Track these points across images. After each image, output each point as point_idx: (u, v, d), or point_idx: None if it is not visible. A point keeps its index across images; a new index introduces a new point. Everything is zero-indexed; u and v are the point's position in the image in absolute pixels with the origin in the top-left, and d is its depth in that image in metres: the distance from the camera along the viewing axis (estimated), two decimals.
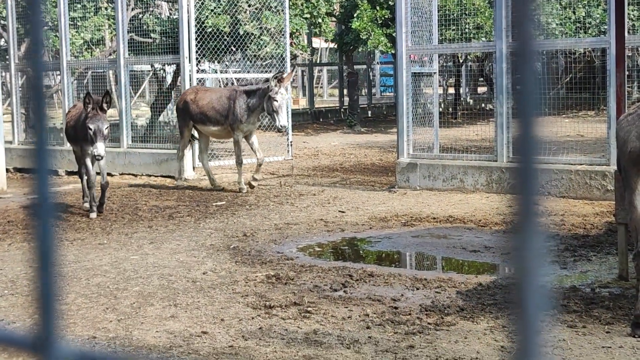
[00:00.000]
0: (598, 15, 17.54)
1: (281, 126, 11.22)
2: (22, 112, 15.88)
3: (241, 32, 14.67)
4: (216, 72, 16.33)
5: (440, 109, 14.42)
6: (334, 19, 22.96)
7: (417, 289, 6.43)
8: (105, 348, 5.19)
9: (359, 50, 23.92)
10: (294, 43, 18.03)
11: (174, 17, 14.99)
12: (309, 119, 25.65)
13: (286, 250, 8.00)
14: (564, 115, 18.07)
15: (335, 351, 4.99)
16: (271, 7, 14.78)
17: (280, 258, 7.59)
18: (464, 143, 14.59)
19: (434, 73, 12.51)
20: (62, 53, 14.58)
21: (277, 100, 11.05)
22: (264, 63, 14.98)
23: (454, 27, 15.19)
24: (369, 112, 27.30)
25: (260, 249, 8.00)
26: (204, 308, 5.98)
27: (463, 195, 10.73)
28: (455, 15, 15.78)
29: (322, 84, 36.66)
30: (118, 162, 13.74)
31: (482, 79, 27.91)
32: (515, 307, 0.74)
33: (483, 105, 23.23)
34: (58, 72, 15.19)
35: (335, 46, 24.28)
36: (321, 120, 25.89)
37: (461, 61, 23.30)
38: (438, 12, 12.47)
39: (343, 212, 9.96)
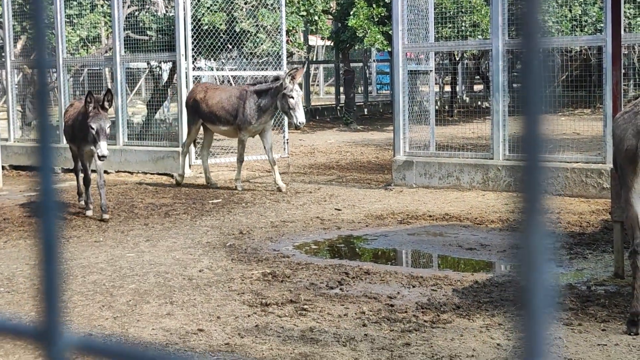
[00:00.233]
0: (594, 13, 17.56)
1: (299, 123, 11.02)
2: (18, 109, 15.85)
3: (237, 30, 14.66)
4: (212, 69, 16.31)
5: (437, 107, 14.43)
6: (330, 16, 22.96)
7: (413, 286, 6.44)
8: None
9: (356, 48, 23.90)
10: (291, 41, 18.02)
11: (170, 14, 14.97)
12: (305, 117, 25.62)
13: (282, 247, 7.99)
14: (560, 113, 18.09)
15: (331, 349, 4.99)
16: (267, 4, 14.77)
17: (276, 256, 7.59)
18: (460, 141, 14.60)
19: (430, 71, 12.51)
20: (58, 50, 14.55)
21: (293, 98, 10.93)
22: (260, 61, 14.96)
23: (450, 25, 15.19)
24: (365, 110, 27.31)
25: (256, 247, 8.00)
26: (200, 305, 5.98)
27: (459, 193, 10.74)
28: (451, 13, 15.78)
29: (318, 81, 36.67)
30: (114, 160, 13.72)
31: (478, 76, 27.94)
32: (519, 307, 0.74)
33: (479, 103, 23.25)
34: (54, 70, 15.17)
35: (332, 44, 24.28)
36: (317, 118, 25.88)
37: (457, 59, 23.30)
38: (434, 9, 12.47)
39: (339, 209, 9.96)
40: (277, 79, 11.39)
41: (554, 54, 18.93)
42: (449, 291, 6.24)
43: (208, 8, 14.46)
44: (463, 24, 17.42)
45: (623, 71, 9.68)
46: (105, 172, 9.73)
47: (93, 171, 9.85)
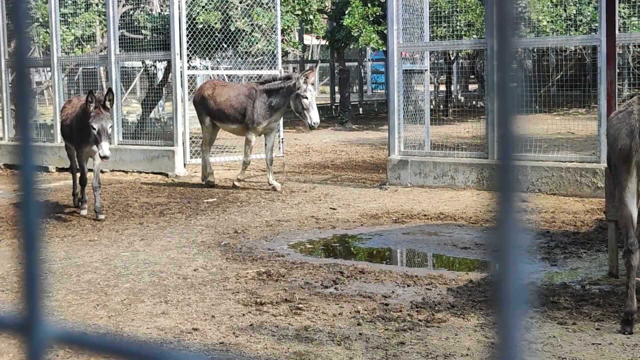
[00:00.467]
0: (589, 13, 17.58)
1: (314, 123, 10.86)
2: (13, 108, 15.82)
3: (232, 29, 14.65)
4: (207, 68, 16.30)
5: (432, 106, 14.44)
6: (325, 15, 22.95)
7: (408, 285, 6.44)
8: None
9: (351, 47, 23.91)
10: (286, 40, 18.02)
11: (165, 13, 14.95)
12: None
13: (277, 247, 8.00)
14: (554, 113, 18.11)
15: (326, 347, 4.99)
16: (262, 3, 14.76)
17: (271, 255, 7.59)
18: (455, 140, 14.61)
19: (425, 70, 12.52)
20: (52, 49, 14.53)
21: (307, 98, 10.82)
22: (255, 60, 14.95)
23: (445, 25, 15.20)
24: (360, 109, 27.31)
25: (251, 246, 8.00)
26: (194, 305, 5.98)
27: (454, 193, 10.75)
28: (446, 12, 15.79)
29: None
30: (109, 159, 13.69)
31: (473, 76, 27.92)
32: (496, 305, 0.74)
33: (474, 102, 23.28)
34: (49, 69, 15.15)
35: (327, 43, 24.27)
36: None
37: (452, 58, 23.31)
38: (429, 9, 12.48)
39: (334, 209, 9.97)
40: (288, 78, 11.28)
41: (549, 54, 18.96)
42: (444, 290, 6.25)
43: (203, 7, 14.44)
44: (458, 24, 17.43)
45: (617, 71, 9.70)
46: (101, 171, 9.69)
47: (90, 170, 9.81)
